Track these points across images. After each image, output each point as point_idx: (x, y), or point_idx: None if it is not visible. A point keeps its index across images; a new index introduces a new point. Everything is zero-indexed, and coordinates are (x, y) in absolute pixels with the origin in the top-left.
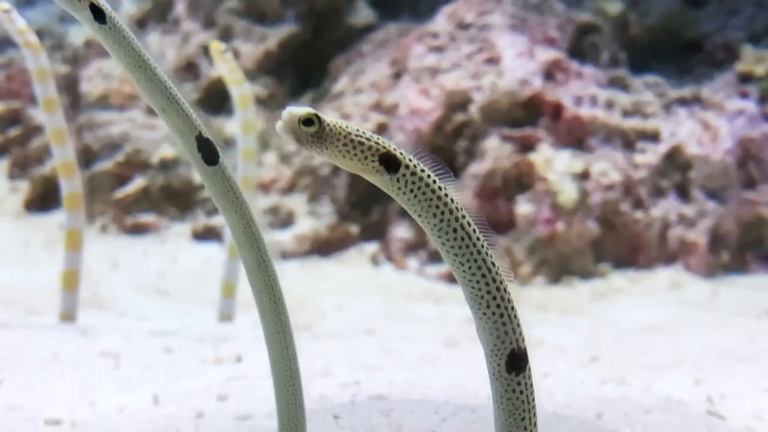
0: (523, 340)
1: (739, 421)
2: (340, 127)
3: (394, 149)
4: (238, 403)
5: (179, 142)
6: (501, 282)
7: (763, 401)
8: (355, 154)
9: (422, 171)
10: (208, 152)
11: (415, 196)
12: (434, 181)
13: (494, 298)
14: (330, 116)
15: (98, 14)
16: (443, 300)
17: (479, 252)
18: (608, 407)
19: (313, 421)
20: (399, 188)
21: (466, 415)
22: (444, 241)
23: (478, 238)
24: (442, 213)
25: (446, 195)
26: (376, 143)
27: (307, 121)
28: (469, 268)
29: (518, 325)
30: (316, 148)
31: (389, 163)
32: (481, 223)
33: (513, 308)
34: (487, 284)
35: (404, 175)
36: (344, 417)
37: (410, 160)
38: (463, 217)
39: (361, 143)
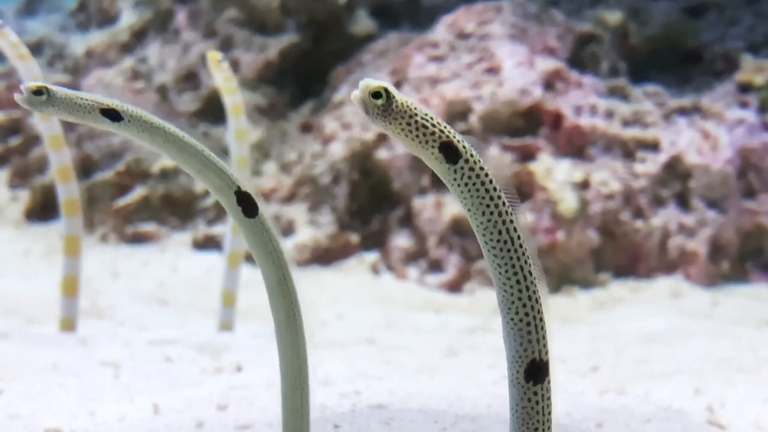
0: (546, 353)
1: (740, 430)
2: (407, 106)
3: (458, 141)
4: (238, 413)
5: (219, 199)
6: (534, 292)
7: (763, 411)
8: (417, 136)
9: (481, 168)
10: (247, 205)
11: (469, 190)
12: (490, 181)
13: (524, 305)
14: (401, 94)
15: (112, 114)
16: (443, 309)
17: (518, 258)
18: (608, 417)
19: (314, 430)
20: (455, 179)
21: (466, 424)
22: (487, 240)
23: (520, 245)
24: (491, 213)
25: (499, 197)
26: (440, 131)
27: (377, 93)
28: (506, 271)
29: (543, 337)
30: (381, 121)
31: (449, 152)
32: (526, 234)
33: (541, 320)
34: (519, 291)
35: (462, 168)
36: (344, 426)
37: (471, 155)
38: (511, 222)
39: (425, 126)
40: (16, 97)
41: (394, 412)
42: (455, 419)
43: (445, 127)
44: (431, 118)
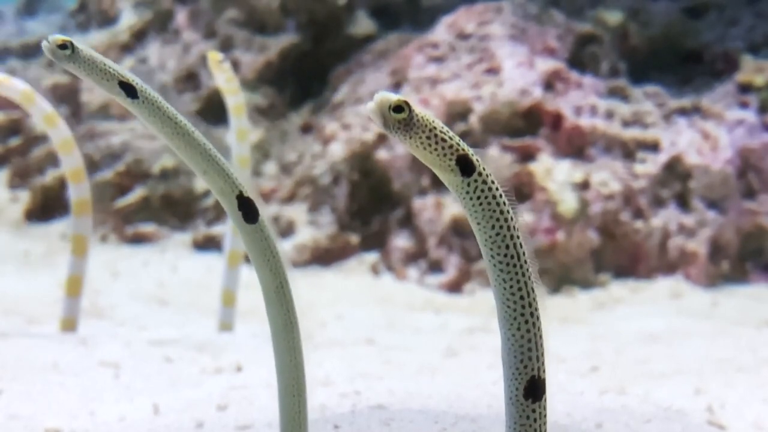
0: (544, 371)
1: (740, 430)
2: (427, 119)
3: (472, 154)
4: (238, 413)
5: (221, 201)
6: (536, 309)
7: (763, 411)
8: (435, 149)
9: (492, 182)
10: (248, 211)
11: (480, 203)
12: (501, 195)
13: (526, 321)
14: (419, 107)
15: (129, 90)
16: (443, 310)
17: (523, 274)
18: (608, 417)
19: (313, 430)
20: (467, 192)
21: (466, 424)
22: (493, 255)
23: (525, 261)
24: (500, 227)
25: (508, 212)
26: (458, 144)
27: (398, 107)
28: (510, 287)
29: (542, 355)
30: (401, 134)
31: (464, 165)
32: (529, 248)
33: (541, 337)
34: (522, 307)
35: (476, 181)
36: (344, 426)
37: (484, 169)
38: (518, 237)
39: (443, 140)
40: (43, 45)
41: (394, 412)
42: (455, 419)
43: (460, 141)
44: (447, 131)
